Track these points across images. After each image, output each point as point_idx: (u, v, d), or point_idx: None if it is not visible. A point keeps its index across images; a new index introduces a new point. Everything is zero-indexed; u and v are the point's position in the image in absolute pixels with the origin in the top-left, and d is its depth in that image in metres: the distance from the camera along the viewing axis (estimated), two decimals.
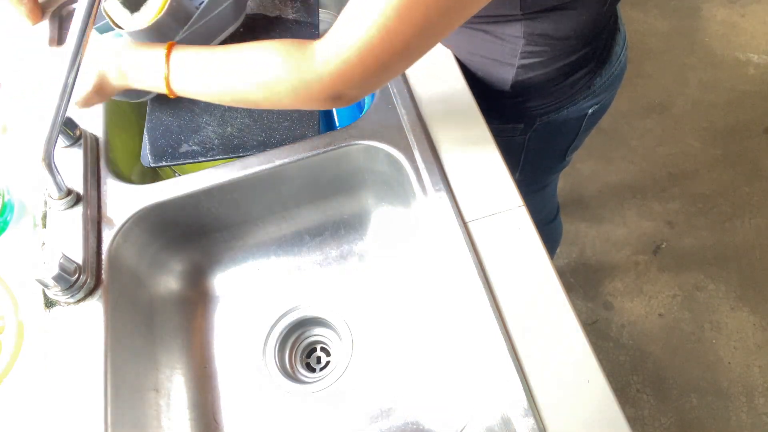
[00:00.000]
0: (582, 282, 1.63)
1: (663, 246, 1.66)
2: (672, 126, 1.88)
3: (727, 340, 1.49)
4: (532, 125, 0.81)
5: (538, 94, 0.76)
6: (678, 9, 2.15)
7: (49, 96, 0.59)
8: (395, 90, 0.72)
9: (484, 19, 0.67)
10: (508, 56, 0.71)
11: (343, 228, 0.80)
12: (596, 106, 0.82)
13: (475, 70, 0.76)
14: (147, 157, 0.75)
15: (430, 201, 0.65)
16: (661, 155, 1.83)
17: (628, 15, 2.14)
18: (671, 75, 1.99)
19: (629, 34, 0.84)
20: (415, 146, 0.68)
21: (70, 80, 0.58)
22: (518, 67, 0.72)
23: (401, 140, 0.69)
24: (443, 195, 0.64)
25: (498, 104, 0.77)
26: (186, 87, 0.60)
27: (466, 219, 0.63)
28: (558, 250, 1.61)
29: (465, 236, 0.61)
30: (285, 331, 0.75)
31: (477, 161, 0.67)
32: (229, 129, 0.74)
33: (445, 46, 0.76)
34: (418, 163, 0.67)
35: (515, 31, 0.67)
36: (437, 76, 0.74)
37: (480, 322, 0.57)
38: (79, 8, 0.56)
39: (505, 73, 0.73)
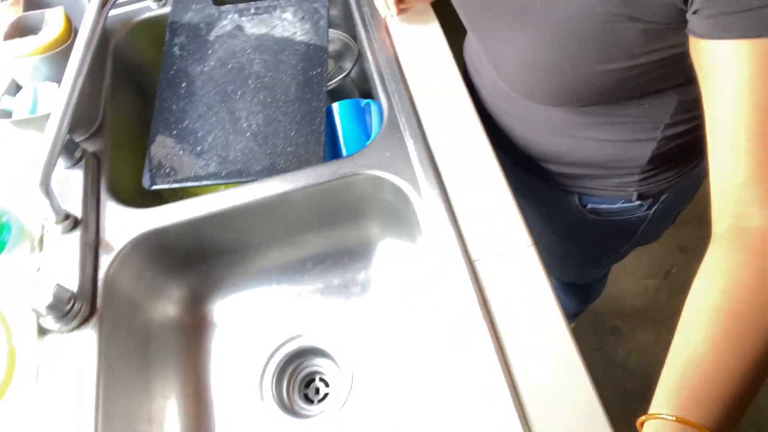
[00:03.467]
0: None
1: (673, 271, 1.63)
2: None
3: None
4: (660, 198, 0.74)
5: (676, 161, 0.69)
6: None
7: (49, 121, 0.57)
8: (403, 119, 0.70)
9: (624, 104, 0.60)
10: (648, 131, 0.64)
11: (347, 257, 0.78)
12: None
13: (596, 159, 0.69)
14: (147, 178, 0.73)
15: (435, 235, 0.63)
16: None
17: None
18: None
19: None
20: (423, 178, 0.66)
21: (71, 101, 0.57)
22: (660, 140, 0.65)
23: (408, 171, 0.67)
24: (449, 230, 0.62)
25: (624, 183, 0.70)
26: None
27: (473, 257, 0.61)
28: None
29: (470, 274, 0.59)
30: (283, 361, 0.73)
31: (485, 197, 0.65)
32: (232, 153, 0.73)
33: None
34: (425, 196, 0.65)
35: (664, 101, 0.60)
36: (447, 107, 0.72)
37: (483, 362, 0.55)
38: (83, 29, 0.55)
39: (641, 149, 0.66)
